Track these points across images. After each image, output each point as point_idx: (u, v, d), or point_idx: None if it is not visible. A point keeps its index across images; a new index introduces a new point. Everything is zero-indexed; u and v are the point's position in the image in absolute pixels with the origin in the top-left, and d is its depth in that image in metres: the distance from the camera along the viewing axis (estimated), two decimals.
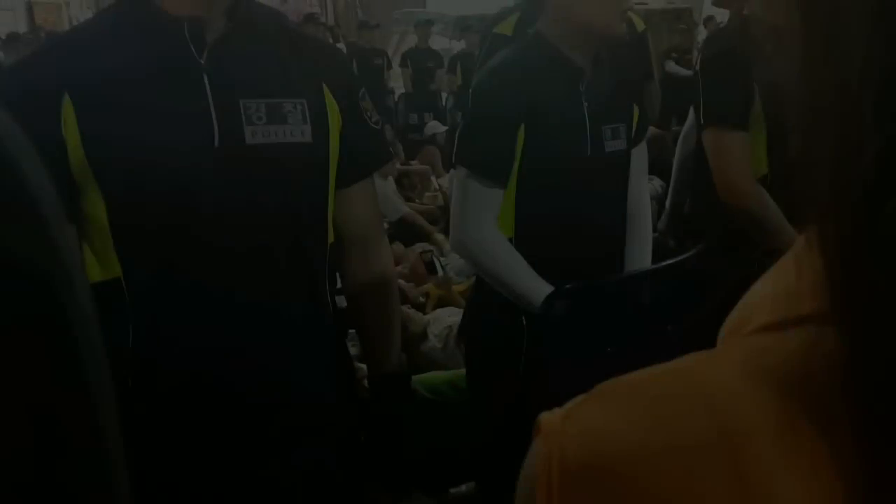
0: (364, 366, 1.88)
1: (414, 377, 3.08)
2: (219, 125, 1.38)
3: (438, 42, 12.16)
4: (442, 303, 3.95)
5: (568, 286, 2.06)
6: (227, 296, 1.39)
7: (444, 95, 10.54)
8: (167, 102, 1.36)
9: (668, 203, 3.86)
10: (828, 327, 0.34)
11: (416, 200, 6.02)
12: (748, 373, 0.35)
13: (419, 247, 4.77)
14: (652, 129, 4.33)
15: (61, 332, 0.41)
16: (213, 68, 1.40)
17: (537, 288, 2.06)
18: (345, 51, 10.56)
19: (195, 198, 1.38)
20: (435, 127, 8.92)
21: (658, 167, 4.49)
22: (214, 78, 1.40)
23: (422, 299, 3.96)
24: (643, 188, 2.36)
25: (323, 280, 1.53)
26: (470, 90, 2.12)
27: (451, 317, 3.64)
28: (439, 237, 5.06)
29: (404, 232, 5.02)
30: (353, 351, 2.18)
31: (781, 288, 0.38)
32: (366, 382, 1.75)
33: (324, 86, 1.51)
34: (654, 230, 2.70)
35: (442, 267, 4.21)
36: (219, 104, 1.39)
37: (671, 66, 8.17)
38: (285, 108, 1.40)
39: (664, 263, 2.23)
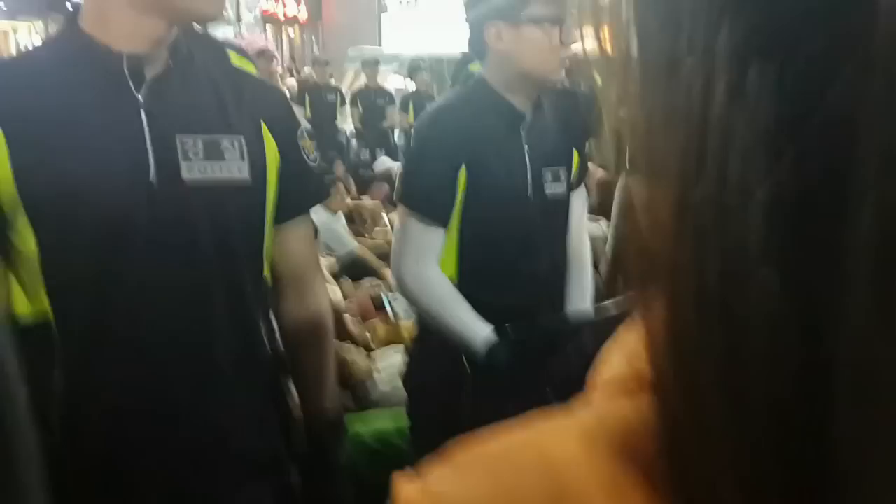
0: None
1: (359, 420, 3.11)
2: (155, 160, 1.38)
3: (393, 81, 12.23)
4: (390, 340, 3.94)
5: (509, 326, 2.08)
6: (159, 338, 1.38)
7: (395, 132, 10.56)
8: (103, 137, 1.36)
9: (607, 247, 3.89)
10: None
11: (367, 235, 5.97)
12: (591, 439, 0.36)
13: (367, 282, 4.74)
14: (600, 173, 4.37)
15: None
16: (150, 103, 1.40)
17: (478, 328, 2.08)
18: (297, 87, 10.60)
19: (129, 234, 1.37)
20: (385, 162, 8.92)
21: (606, 209, 4.51)
22: (151, 113, 1.40)
23: (368, 335, 3.93)
24: (583, 231, 2.39)
25: (258, 320, 1.51)
26: (412, 130, 2.16)
27: (398, 354, 3.63)
28: (388, 273, 4.99)
29: (353, 267, 4.97)
30: None
31: (633, 344, 0.38)
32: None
33: (262, 123, 1.51)
34: (597, 272, 2.67)
35: (390, 304, 4.17)
36: (156, 139, 1.38)
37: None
38: (223, 144, 1.40)
39: (605, 303, 2.26)
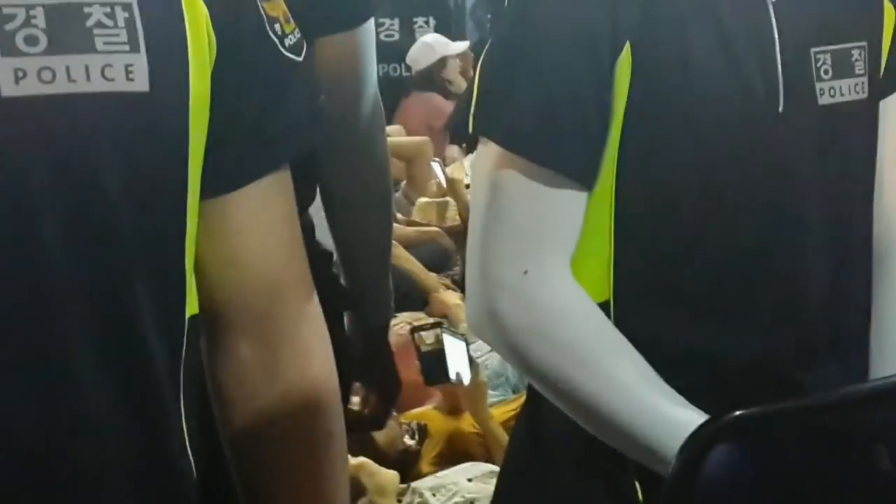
0: None
1: None
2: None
3: None
4: (454, 446, 2.92)
5: (739, 414, 1.22)
6: None
7: None
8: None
9: None
10: None
11: (401, 213, 4.34)
12: None
13: (406, 318, 3.41)
14: None
15: None
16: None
17: (672, 418, 1.35)
18: None
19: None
20: (433, 47, 5.79)
21: None
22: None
23: (409, 441, 2.91)
24: None
25: (170, 401, 1.09)
26: None
27: (471, 479, 2.64)
28: (450, 299, 3.69)
29: None
30: None
31: None
32: None
33: None
34: None
35: (470, 357, 3.01)
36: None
37: None
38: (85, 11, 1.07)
39: None
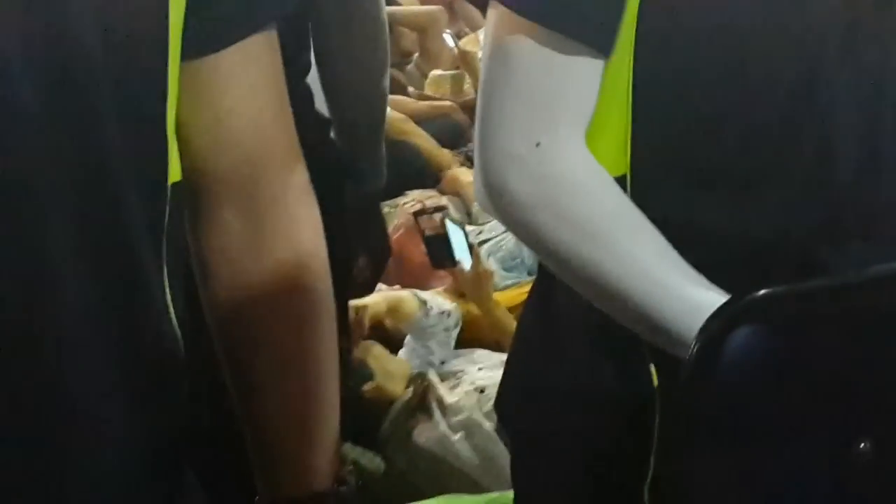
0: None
1: None
2: None
3: None
4: (466, 330, 2.88)
5: (763, 293, 1.19)
6: None
7: None
8: None
9: None
10: None
11: (406, 84, 4.28)
12: None
13: (413, 199, 3.38)
14: None
15: None
16: None
17: (689, 295, 1.29)
18: None
19: None
20: None
21: None
22: None
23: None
24: None
25: (154, 274, 1.09)
26: None
27: (483, 367, 2.62)
28: (462, 176, 3.53)
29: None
30: None
31: None
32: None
33: None
34: None
35: (469, 244, 3.00)
36: None
37: None
38: None
39: None
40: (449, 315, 2.80)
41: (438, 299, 2.86)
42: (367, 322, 2.74)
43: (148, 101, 1.05)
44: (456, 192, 3.57)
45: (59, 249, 1.02)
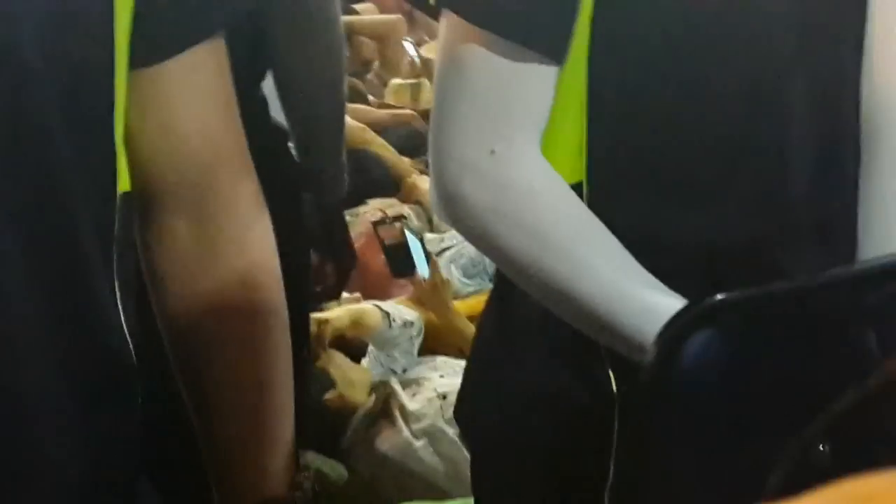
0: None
1: None
2: None
3: None
4: (429, 339, 2.87)
5: (720, 298, 1.18)
6: None
7: None
8: None
9: None
10: None
11: (364, 91, 4.24)
12: None
13: (372, 208, 3.34)
14: None
15: None
16: None
17: (655, 304, 1.27)
18: None
19: None
20: None
21: None
22: None
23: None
24: None
25: (103, 282, 1.07)
26: None
27: (444, 375, 2.59)
28: (422, 184, 3.46)
29: None
30: None
31: None
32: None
33: None
34: None
35: (426, 254, 3.00)
36: None
37: None
38: None
39: None
40: (412, 325, 2.78)
41: (401, 309, 2.83)
42: (328, 336, 2.72)
43: (96, 110, 1.04)
44: (416, 201, 3.51)
45: (6, 260, 1.01)
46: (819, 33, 1.32)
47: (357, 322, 2.78)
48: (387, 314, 2.76)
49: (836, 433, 1.06)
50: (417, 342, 2.84)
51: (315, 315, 2.60)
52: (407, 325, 2.79)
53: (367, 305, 2.83)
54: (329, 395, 2.52)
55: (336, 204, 2.05)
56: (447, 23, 1.25)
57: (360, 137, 3.61)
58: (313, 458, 2.45)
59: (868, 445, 1.10)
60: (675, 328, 1.14)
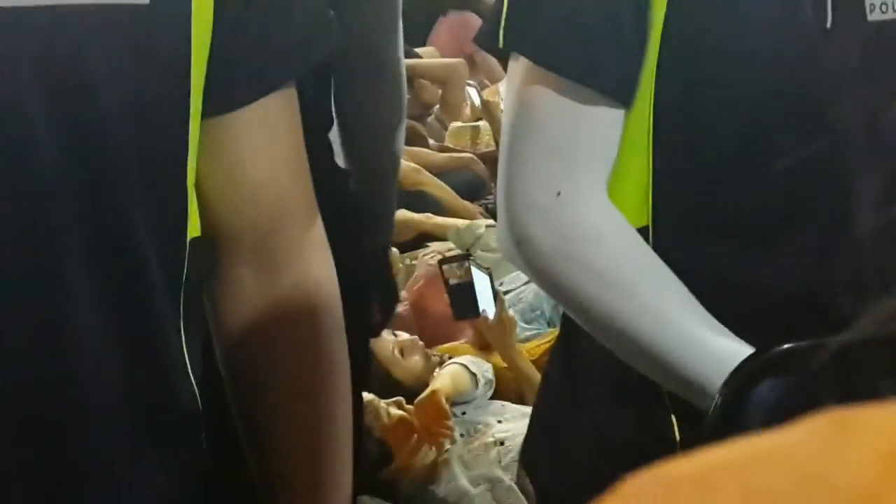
0: None
1: None
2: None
3: None
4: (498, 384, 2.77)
5: (788, 347, 1.17)
6: None
7: None
8: None
9: None
10: None
11: (426, 135, 4.19)
12: None
13: (432, 252, 3.29)
14: None
15: None
16: None
17: (721, 351, 1.25)
18: None
19: None
20: None
21: None
22: None
23: (434, 367, 2.80)
24: None
25: (170, 327, 1.08)
26: None
27: (503, 420, 2.56)
28: (479, 227, 3.41)
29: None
30: None
31: None
32: None
33: None
34: None
35: (494, 291, 2.88)
36: None
37: None
38: None
39: None
40: (492, 383, 2.71)
41: (481, 365, 2.75)
42: (446, 405, 2.62)
43: (168, 158, 1.05)
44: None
45: (78, 307, 1.02)
46: (885, 75, 1.31)
47: (456, 385, 2.72)
48: (473, 375, 2.71)
49: None
50: (489, 394, 2.78)
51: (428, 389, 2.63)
52: (489, 384, 2.71)
53: (456, 366, 2.76)
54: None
55: (386, 245, 2.08)
56: (516, 66, 1.25)
57: (414, 179, 3.57)
58: (368, 501, 2.41)
59: None
60: (742, 376, 1.12)
